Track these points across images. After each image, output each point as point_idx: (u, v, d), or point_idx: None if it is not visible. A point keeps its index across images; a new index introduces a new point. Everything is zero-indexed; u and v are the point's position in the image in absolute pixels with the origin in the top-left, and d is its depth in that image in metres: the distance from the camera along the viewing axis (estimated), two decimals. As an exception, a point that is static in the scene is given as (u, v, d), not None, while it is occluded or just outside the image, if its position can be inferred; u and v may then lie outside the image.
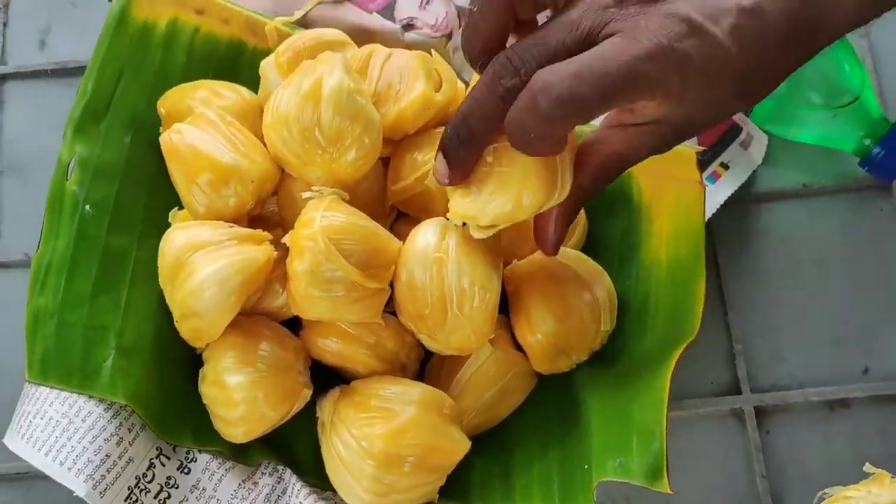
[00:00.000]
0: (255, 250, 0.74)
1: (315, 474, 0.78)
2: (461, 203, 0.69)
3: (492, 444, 0.79)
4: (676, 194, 0.81)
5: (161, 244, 0.76)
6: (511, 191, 0.67)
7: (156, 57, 0.86)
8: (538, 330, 0.77)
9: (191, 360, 0.79)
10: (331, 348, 0.78)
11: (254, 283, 0.74)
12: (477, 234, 0.70)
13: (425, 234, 0.75)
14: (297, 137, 0.74)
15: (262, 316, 0.79)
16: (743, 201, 0.89)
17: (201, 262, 0.73)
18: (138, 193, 0.82)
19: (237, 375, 0.75)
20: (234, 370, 0.75)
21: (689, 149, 0.79)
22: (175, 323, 0.76)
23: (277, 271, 0.77)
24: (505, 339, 0.80)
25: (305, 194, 0.76)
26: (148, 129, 0.83)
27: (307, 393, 0.77)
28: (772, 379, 0.84)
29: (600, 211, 0.83)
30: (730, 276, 0.87)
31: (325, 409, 0.77)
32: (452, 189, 0.69)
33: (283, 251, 0.76)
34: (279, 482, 0.78)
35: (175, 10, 0.87)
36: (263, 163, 0.78)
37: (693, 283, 0.79)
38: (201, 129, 0.78)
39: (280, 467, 0.78)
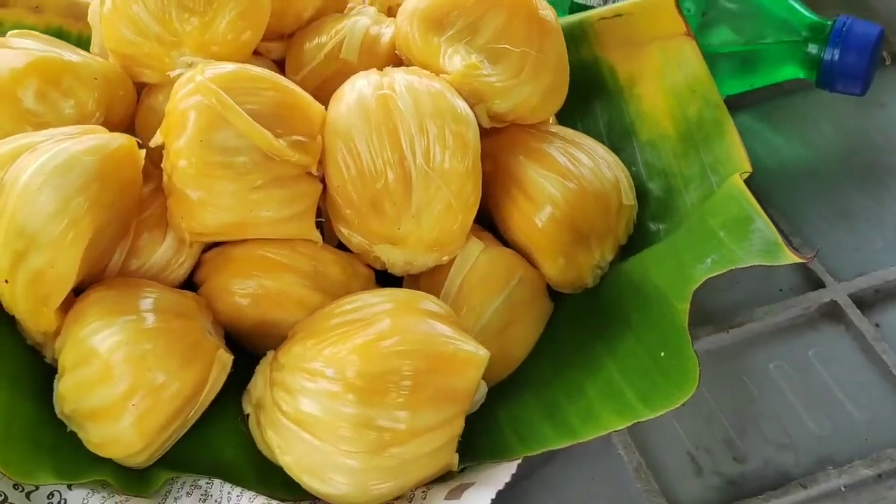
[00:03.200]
0: (107, 135, 0.50)
1: (258, 483, 0.49)
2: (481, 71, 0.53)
3: (519, 389, 0.53)
4: (662, 57, 0.62)
5: (-32, 177, 0.51)
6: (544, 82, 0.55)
7: (-53, 62, 0.64)
8: (544, 200, 0.54)
9: (37, 375, 0.52)
10: (250, 291, 0.52)
11: (112, 181, 0.49)
12: (484, 122, 0.54)
13: (355, 81, 0.53)
14: (153, 3, 0.53)
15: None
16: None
17: (28, 162, 0.48)
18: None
19: (109, 331, 0.48)
20: (105, 326, 0.48)
21: (664, -6, 0.61)
22: (4, 292, 0.50)
23: (150, 209, 0.53)
24: (495, 241, 0.56)
25: (174, 72, 0.53)
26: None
27: (225, 357, 0.50)
28: (854, 269, 0.62)
29: (572, 112, 0.63)
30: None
31: (257, 383, 0.50)
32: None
33: (157, 180, 0.53)
34: (205, 499, 0.48)
35: (-32, 9, 0.67)
36: (108, 63, 0.56)
37: (722, 136, 0.58)
38: (12, 48, 0.55)
39: (202, 481, 0.49)
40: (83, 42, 0.66)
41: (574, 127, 0.61)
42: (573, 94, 0.60)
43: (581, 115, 0.64)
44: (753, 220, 0.49)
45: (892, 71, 0.71)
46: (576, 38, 0.64)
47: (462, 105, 0.52)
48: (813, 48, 0.64)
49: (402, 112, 0.50)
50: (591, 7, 0.67)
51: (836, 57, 0.64)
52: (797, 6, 0.65)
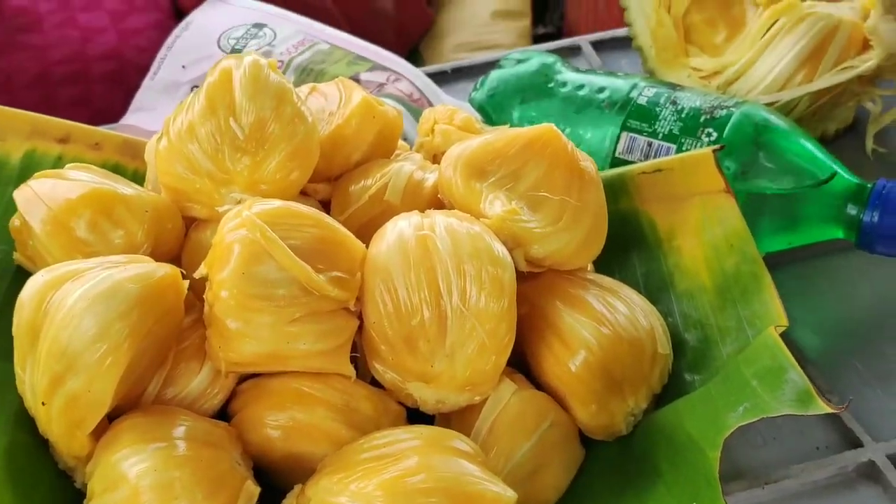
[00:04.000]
0: (152, 264, 0.52)
1: None
2: (521, 217, 0.55)
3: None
4: (701, 212, 0.63)
5: (18, 300, 0.52)
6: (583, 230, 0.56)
7: (7, 192, 0.67)
8: (578, 346, 0.54)
9: (66, 501, 0.52)
10: (281, 424, 0.52)
11: (153, 309, 0.50)
12: (522, 266, 0.55)
13: (396, 222, 0.54)
14: (207, 143, 0.55)
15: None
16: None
17: (73, 287, 0.50)
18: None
19: (138, 457, 0.48)
20: (136, 452, 0.48)
21: (704, 152, 0.63)
22: (40, 414, 0.51)
23: (189, 339, 0.54)
24: (527, 383, 0.56)
25: (223, 207, 0.55)
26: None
27: (252, 488, 0.50)
28: (892, 429, 0.61)
29: (610, 262, 0.64)
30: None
31: (282, 517, 0.50)
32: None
33: (198, 311, 0.54)
34: None
35: (31, 143, 0.70)
36: (159, 196, 0.58)
37: (759, 290, 0.58)
38: (68, 179, 0.58)
39: None
40: (138, 179, 0.68)
41: (612, 276, 0.62)
42: (612, 245, 0.61)
43: (619, 265, 0.65)
44: (787, 370, 0.49)
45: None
46: (616, 190, 0.65)
47: (500, 248, 0.53)
48: (853, 209, 0.65)
49: (441, 252, 0.51)
50: (633, 162, 0.69)
51: (876, 219, 0.64)
52: (836, 167, 0.66)
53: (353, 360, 0.53)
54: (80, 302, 0.48)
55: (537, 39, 1.49)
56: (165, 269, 0.51)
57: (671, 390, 0.57)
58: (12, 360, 0.52)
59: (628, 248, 0.65)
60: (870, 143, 0.78)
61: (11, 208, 0.63)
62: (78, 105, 1.15)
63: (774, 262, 0.64)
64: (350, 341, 0.52)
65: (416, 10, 1.46)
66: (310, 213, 0.52)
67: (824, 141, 0.78)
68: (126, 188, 0.57)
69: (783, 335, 0.53)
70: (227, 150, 0.55)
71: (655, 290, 0.63)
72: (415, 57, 1.43)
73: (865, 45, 0.75)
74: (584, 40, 0.95)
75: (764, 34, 0.78)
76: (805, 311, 0.69)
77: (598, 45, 0.95)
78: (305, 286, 0.50)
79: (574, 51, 0.94)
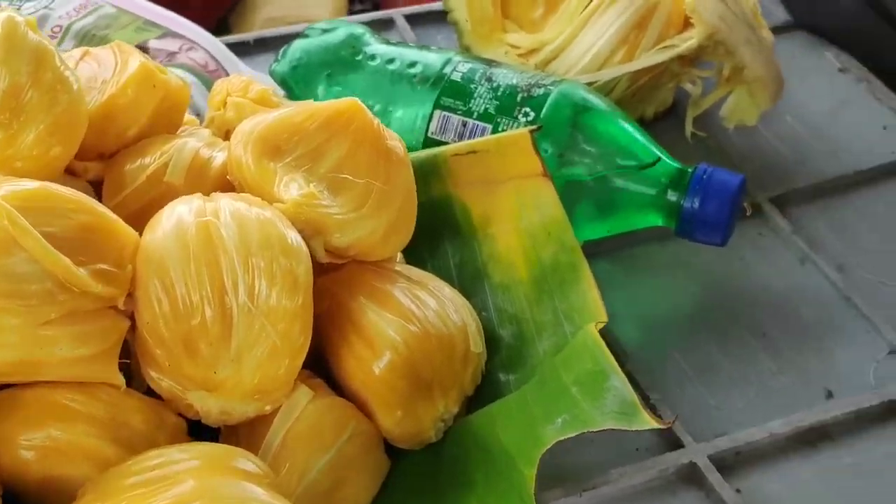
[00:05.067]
0: None
1: None
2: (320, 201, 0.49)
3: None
4: (517, 197, 0.59)
5: None
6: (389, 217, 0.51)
7: None
8: (383, 346, 0.49)
9: None
10: (36, 443, 0.45)
11: None
12: (321, 256, 0.49)
13: (174, 207, 0.47)
14: (-52, 114, 0.47)
15: None
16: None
17: None
18: None
19: None
20: None
21: (521, 132, 0.59)
22: None
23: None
24: (326, 390, 0.50)
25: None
26: None
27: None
28: (714, 428, 0.58)
29: (422, 251, 0.59)
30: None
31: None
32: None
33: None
34: None
35: None
36: None
37: (577, 281, 0.55)
38: None
39: None
40: None
41: (424, 267, 0.57)
42: (424, 233, 0.56)
43: (431, 254, 0.60)
44: (609, 375, 0.45)
45: (753, 223, 0.69)
46: (427, 173, 0.60)
47: (294, 237, 0.47)
48: (673, 195, 0.62)
49: (226, 241, 0.45)
50: (446, 143, 0.64)
51: (697, 205, 0.61)
52: (658, 151, 0.63)
53: (125, 367, 0.46)
54: None
55: (354, 15, 1.43)
56: None
57: (484, 392, 0.53)
58: None
59: (440, 236, 0.60)
60: (689, 127, 0.75)
61: None
62: None
63: (592, 251, 0.60)
64: (118, 345, 0.46)
65: (226, -21, 1.38)
66: (71, 196, 0.45)
67: (643, 123, 0.75)
68: None
69: (602, 329, 0.49)
70: (-28, 120, 0.47)
71: (469, 281, 0.58)
72: (223, 30, 1.35)
73: (686, 24, 0.72)
74: (397, 13, 0.89)
75: (583, 10, 0.74)
76: (624, 301, 0.65)
77: (412, 19, 0.89)
78: (63, 281, 0.43)
79: (387, 24, 0.88)
